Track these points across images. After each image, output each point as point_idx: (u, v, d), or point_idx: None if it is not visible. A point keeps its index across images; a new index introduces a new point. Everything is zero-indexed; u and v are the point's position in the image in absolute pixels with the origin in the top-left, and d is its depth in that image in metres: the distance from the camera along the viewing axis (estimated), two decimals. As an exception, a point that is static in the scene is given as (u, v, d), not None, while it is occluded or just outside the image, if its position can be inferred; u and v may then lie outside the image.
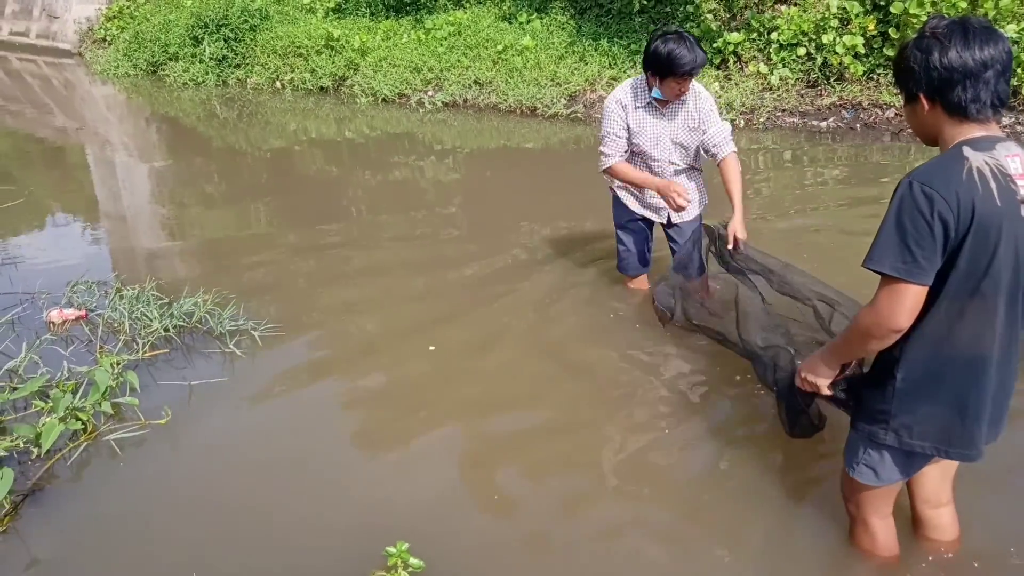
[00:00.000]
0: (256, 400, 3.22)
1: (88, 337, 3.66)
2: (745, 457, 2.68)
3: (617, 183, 3.59)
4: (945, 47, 1.61)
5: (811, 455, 2.64)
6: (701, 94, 3.33)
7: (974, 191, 1.58)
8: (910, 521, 2.22)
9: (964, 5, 6.66)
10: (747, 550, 2.29)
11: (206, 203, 6.17)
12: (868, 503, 2.06)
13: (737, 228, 3.15)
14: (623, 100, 3.31)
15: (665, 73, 3.10)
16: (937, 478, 2.09)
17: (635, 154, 3.43)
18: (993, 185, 1.59)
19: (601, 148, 3.43)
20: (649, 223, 3.66)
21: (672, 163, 3.42)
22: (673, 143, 3.36)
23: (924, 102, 1.69)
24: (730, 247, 3.15)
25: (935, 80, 1.64)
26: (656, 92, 3.21)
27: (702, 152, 3.40)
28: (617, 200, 3.65)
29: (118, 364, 3.26)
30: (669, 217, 3.56)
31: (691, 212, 3.55)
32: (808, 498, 2.47)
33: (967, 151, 1.62)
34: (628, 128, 3.34)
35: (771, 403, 2.95)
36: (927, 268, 1.62)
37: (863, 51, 7.16)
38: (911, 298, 1.64)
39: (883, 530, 2.10)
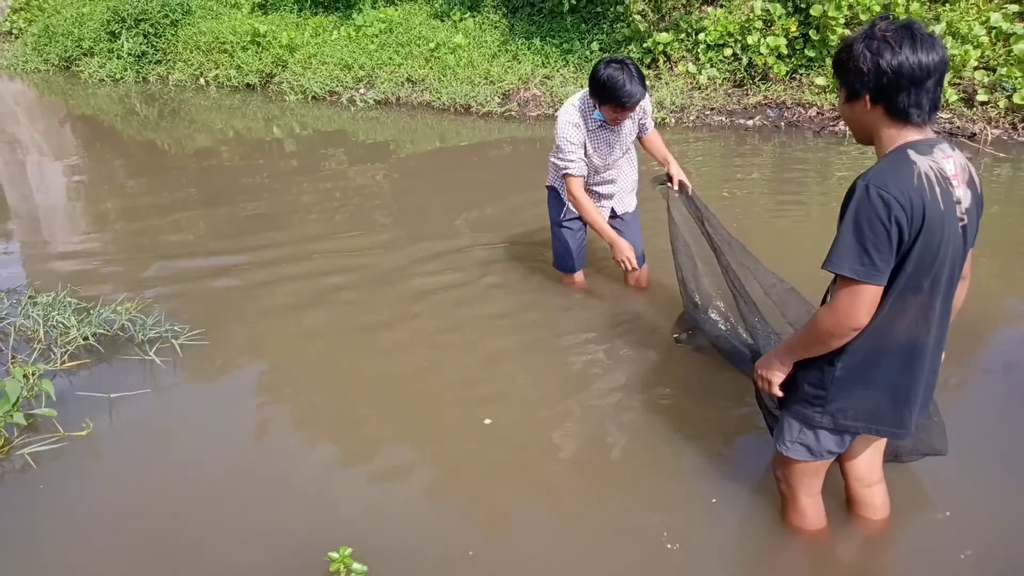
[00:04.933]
0: (183, 409, 3.09)
1: (-2, 347, 3.45)
2: (686, 441, 2.72)
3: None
4: (896, 51, 1.62)
5: (746, 435, 2.71)
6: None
7: (924, 195, 1.65)
8: (844, 502, 2.31)
9: (878, 8, 6.97)
10: (689, 530, 2.32)
11: (126, 204, 5.88)
12: (800, 480, 2.15)
13: (678, 172, 3.33)
14: (575, 122, 3.29)
15: (603, 100, 3.14)
16: (869, 457, 2.19)
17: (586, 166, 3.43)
18: (938, 190, 1.66)
19: (560, 156, 3.34)
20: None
21: (616, 164, 3.51)
22: (621, 149, 3.46)
23: (867, 102, 1.71)
24: (676, 189, 3.30)
25: (883, 83, 1.65)
26: (597, 114, 3.26)
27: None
28: (555, 198, 3.66)
29: (33, 374, 3.07)
30: (613, 209, 3.63)
31: (632, 203, 3.68)
32: (742, 478, 2.53)
33: (913, 155, 1.67)
34: (584, 146, 3.35)
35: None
36: (883, 270, 1.68)
37: (786, 52, 7.41)
38: (869, 298, 1.71)
39: (812, 507, 2.21)
